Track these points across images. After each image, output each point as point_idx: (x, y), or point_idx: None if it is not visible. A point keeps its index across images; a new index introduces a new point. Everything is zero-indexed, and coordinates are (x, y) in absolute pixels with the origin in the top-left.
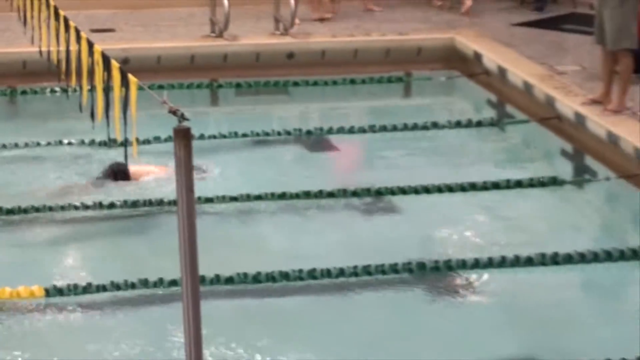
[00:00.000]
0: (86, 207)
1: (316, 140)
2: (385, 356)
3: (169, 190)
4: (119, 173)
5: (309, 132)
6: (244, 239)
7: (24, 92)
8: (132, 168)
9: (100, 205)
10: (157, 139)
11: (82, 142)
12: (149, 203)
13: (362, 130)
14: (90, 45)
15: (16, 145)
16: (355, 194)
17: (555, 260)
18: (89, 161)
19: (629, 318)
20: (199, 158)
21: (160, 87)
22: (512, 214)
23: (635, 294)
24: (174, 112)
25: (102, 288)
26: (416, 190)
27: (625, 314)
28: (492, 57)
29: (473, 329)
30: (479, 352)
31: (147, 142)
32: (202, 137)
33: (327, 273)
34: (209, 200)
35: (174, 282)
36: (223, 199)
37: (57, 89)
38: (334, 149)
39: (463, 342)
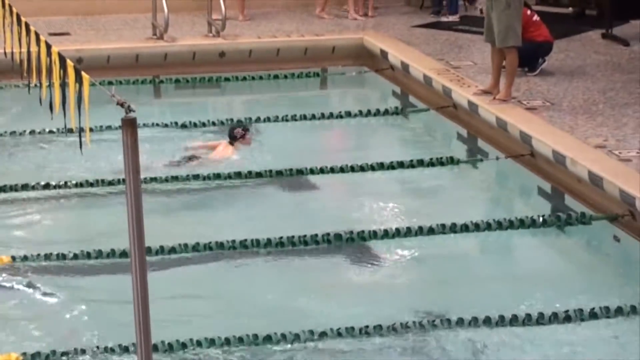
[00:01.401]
0: (50, 186)
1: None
2: (309, 315)
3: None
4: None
5: (238, 121)
6: (184, 214)
7: None
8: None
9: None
10: (108, 128)
11: (43, 130)
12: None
13: (285, 119)
14: (49, 47)
15: None
16: (279, 173)
17: (453, 229)
18: (51, 144)
19: (516, 277)
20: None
21: (110, 83)
22: (416, 190)
23: (522, 257)
24: (121, 105)
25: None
26: (333, 170)
27: (513, 274)
28: (396, 54)
29: (384, 290)
30: (391, 310)
31: (98, 129)
32: (146, 125)
33: (257, 243)
34: (153, 179)
35: (124, 253)
36: (166, 180)
37: (20, 85)
38: (260, 135)
39: (376, 302)
